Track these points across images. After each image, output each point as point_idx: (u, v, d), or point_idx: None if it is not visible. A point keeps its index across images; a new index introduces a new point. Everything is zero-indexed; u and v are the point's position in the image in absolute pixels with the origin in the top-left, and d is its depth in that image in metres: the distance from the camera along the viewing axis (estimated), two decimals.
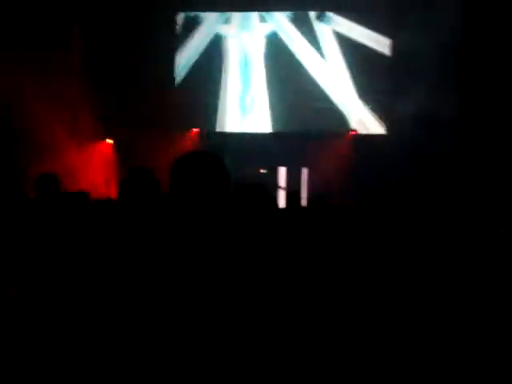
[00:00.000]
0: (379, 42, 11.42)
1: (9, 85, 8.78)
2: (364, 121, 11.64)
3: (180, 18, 12.07)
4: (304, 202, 9.62)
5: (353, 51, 11.42)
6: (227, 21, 12.02)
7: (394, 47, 11.34)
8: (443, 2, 10.42)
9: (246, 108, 11.96)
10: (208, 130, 11.92)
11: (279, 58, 11.70)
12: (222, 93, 11.98)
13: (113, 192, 9.64)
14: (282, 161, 11.57)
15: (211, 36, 12.04)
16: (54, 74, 9.96)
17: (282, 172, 11.71)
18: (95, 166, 10.94)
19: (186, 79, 12.06)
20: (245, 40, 11.98)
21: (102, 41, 11.13)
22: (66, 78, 10.48)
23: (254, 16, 11.92)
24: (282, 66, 11.64)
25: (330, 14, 11.65)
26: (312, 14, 11.69)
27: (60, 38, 10.31)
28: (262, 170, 11.71)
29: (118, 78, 11.05)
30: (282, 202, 8.43)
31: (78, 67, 10.99)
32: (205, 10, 12.00)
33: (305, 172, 11.59)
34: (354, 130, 11.62)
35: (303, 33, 11.70)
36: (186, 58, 12.10)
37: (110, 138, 11.66)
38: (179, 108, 11.51)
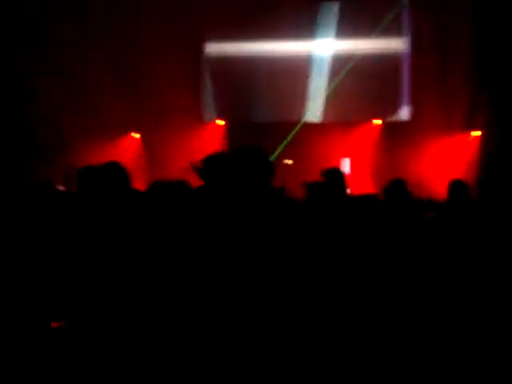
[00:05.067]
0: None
1: None
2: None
3: None
4: None
5: None
6: None
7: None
8: None
9: (267, 100, 11.90)
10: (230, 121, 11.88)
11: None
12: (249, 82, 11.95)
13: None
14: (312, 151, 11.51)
15: None
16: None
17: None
18: (122, 160, 11.03)
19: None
20: None
21: None
22: None
23: None
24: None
25: None
26: None
27: None
28: (286, 161, 11.70)
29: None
30: None
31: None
32: None
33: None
34: (379, 118, 11.64)
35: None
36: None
37: (136, 132, 11.77)
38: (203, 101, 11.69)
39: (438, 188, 8.21)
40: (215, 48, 11.99)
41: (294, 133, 11.40)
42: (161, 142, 10.90)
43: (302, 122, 11.59)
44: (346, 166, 11.05)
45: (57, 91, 10.23)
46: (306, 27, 11.65)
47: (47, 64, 9.96)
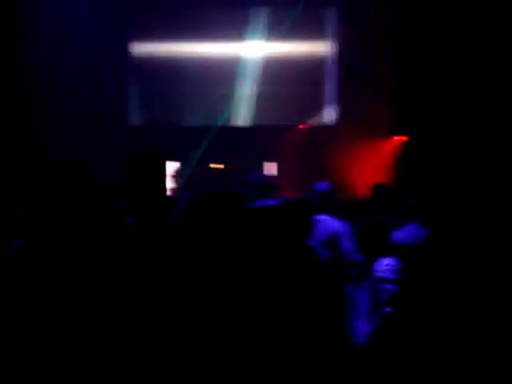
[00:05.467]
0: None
1: None
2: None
3: None
4: None
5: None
6: None
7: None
8: None
9: (194, 103, 11.74)
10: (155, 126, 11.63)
11: None
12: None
13: None
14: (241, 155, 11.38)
15: None
16: None
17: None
18: None
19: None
20: None
21: None
22: None
23: None
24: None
25: None
26: None
27: None
28: (212, 165, 11.60)
29: None
30: None
31: None
32: None
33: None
34: (306, 122, 11.71)
35: None
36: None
37: None
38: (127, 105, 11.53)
39: (362, 191, 8.31)
40: (141, 48, 11.78)
41: (210, 136, 11.30)
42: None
43: (220, 125, 11.49)
44: (273, 169, 11.04)
45: None
46: (233, 30, 11.61)
47: None
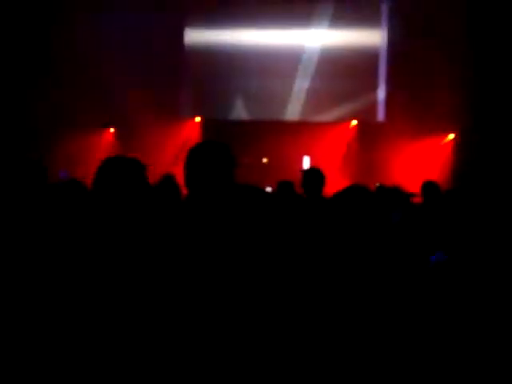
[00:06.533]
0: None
1: None
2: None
3: None
4: None
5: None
6: None
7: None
8: None
9: (247, 96, 11.79)
10: (207, 118, 11.74)
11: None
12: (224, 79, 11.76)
13: None
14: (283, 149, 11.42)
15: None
16: None
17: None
18: (97, 153, 10.92)
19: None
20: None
21: None
22: None
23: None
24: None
25: None
26: None
27: None
28: (264, 160, 11.64)
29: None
30: None
31: None
32: None
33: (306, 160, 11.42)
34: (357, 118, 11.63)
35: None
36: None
37: (111, 126, 11.64)
38: (180, 95, 11.59)
39: (412, 190, 8.22)
40: (196, 36, 11.73)
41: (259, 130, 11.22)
42: (135, 136, 10.75)
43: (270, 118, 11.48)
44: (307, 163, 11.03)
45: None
46: (294, 19, 11.51)
47: None
